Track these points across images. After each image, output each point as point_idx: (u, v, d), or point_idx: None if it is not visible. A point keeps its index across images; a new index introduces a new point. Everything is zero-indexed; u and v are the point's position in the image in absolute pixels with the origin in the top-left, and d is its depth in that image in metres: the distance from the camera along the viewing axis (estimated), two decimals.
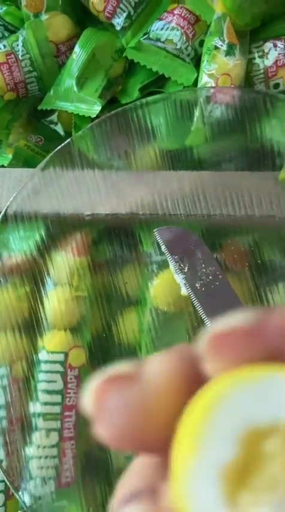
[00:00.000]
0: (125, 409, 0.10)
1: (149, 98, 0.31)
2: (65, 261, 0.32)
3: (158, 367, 0.10)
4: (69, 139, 0.31)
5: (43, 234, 0.32)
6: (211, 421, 0.08)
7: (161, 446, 0.10)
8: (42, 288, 0.32)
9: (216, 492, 0.07)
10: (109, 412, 0.10)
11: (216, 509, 0.07)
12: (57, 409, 0.30)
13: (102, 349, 0.33)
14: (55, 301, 0.32)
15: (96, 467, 0.31)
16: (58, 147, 0.31)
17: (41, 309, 0.32)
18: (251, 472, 0.07)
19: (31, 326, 0.32)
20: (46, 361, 0.31)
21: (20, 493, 0.29)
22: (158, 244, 0.32)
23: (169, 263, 0.31)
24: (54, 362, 0.31)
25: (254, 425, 0.08)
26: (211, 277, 0.31)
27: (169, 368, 0.10)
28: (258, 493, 0.07)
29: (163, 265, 0.33)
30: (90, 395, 0.10)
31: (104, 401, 0.10)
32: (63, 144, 0.31)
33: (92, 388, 0.10)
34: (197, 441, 0.08)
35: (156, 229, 0.31)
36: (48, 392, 0.31)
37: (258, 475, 0.07)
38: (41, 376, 0.31)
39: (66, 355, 0.31)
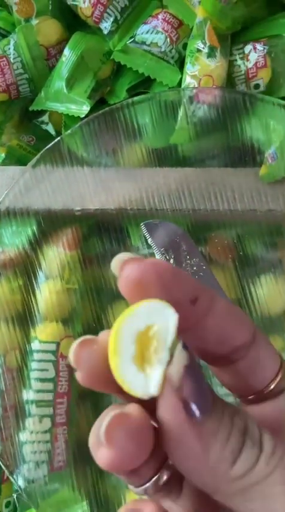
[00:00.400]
0: (90, 359, 0.14)
1: (135, 98, 0.32)
2: (56, 255, 0.34)
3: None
4: (58, 138, 0.32)
5: (35, 229, 0.34)
6: (120, 331, 0.14)
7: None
8: (34, 281, 0.33)
9: (132, 366, 0.14)
10: (82, 362, 0.14)
11: (130, 368, 0.13)
12: (49, 396, 0.32)
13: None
14: (47, 293, 0.33)
15: (87, 452, 0.32)
16: (49, 145, 0.32)
17: (33, 301, 0.33)
18: (145, 351, 0.14)
19: (24, 317, 0.33)
20: (38, 351, 0.32)
21: (14, 476, 0.30)
22: (145, 237, 0.33)
23: (155, 255, 0.32)
24: (46, 351, 0.32)
25: (140, 330, 0.14)
26: (195, 268, 0.32)
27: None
28: (151, 360, 0.14)
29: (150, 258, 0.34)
30: (70, 354, 0.15)
31: (79, 356, 0.14)
32: (53, 143, 0.32)
33: (71, 348, 0.15)
34: (117, 343, 0.14)
35: (143, 223, 0.33)
36: (41, 380, 0.32)
37: (148, 351, 0.14)
38: (34, 365, 0.32)
39: (58, 344, 0.32)
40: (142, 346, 0.14)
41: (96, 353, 0.14)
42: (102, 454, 0.13)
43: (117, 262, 0.15)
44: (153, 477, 0.15)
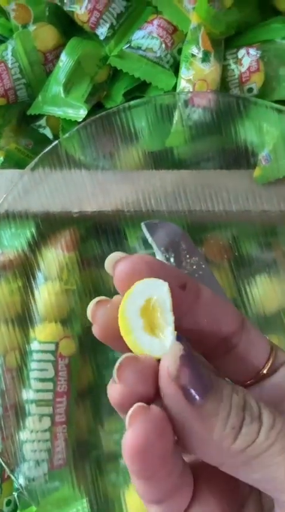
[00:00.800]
0: (104, 315, 0.16)
1: (132, 102, 0.33)
2: (55, 256, 0.34)
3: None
4: (56, 141, 0.33)
5: (33, 231, 0.34)
6: (126, 312, 0.16)
7: None
8: (33, 282, 0.34)
9: (145, 336, 0.15)
10: (97, 318, 0.17)
11: (145, 337, 0.15)
12: (49, 395, 0.32)
13: (91, 339, 0.34)
14: (46, 294, 0.34)
15: (87, 450, 0.33)
16: (47, 149, 0.33)
17: (32, 302, 0.34)
18: (152, 320, 0.16)
19: (23, 318, 0.34)
20: (38, 351, 0.33)
21: (15, 474, 0.31)
22: (144, 236, 0.34)
23: (156, 254, 0.33)
24: (46, 352, 0.33)
25: (141, 305, 0.16)
26: (194, 267, 0.33)
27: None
28: (159, 325, 0.15)
29: None
30: (88, 310, 0.17)
31: (94, 313, 0.17)
32: (51, 146, 0.32)
33: (89, 306, 0.17)
34: (126, 322, 0.15)
35: (143, 223, 0.33)
36: (40, 380, 0.32)
37: (154, 319, 0.16)
38: (33, 365, 0.32)
39: (57, 345, 0.33)
40: (147, 317, 0.16)
41: (110, 310, 0.16)
42: (113, 389, 0.15)
43: (109, 262, 0.17)
44: None
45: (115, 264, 0.16)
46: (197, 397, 0.14)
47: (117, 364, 0.15)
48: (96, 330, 0.17)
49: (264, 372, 0.17)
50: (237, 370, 0.18)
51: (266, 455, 0.14)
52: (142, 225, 0.33)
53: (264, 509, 0.17)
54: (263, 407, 0.15)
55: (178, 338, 0.15)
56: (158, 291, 0.16)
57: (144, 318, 0.16)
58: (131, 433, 0.14)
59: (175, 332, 0.15)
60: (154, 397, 0.15)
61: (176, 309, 0.15)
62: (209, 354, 0.18)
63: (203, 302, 0.17)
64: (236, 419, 0.14)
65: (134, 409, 0.14)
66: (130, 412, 0.15)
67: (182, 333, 0.15)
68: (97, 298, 0.17)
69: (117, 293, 0.17)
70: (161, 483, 0.15)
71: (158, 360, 0.15)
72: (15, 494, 0.33)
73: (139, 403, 0.15)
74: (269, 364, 0.17)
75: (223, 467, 0.15)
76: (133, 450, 0.14)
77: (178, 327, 0.15)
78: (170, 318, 0.15)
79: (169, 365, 0.14)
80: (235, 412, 0.14)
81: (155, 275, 0.16)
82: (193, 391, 0.14)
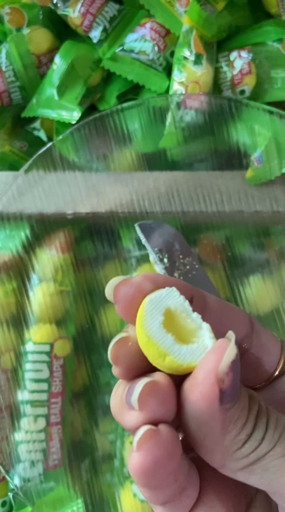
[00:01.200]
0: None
1: (125, 104, 0.33)
2: (49, 258, 0.34)
3: None
4: (50, 143, 0.33)
5: (28, 232, 0.34)
6: (148, 331, 0.15)
7: None
8: (28, 284, 0.34)
9: (181, 347, 0.14)
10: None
11: (164, 335, 0.14)
12: (44, 396, 0.32)
13: (86, 340, 0.35)
14: (41, 295, 0.34)
15: (82, 450, 0.33)
16: (41, 151, 0.33)
17: (27, 304, 0.34)
18: (180, 330, 0.15)
19: (18, 320, 0.34)
20: (33, 352, 0.33)
21: (10, 475, 0.31)
22: (138, 237, 0.34)
23: (150, 254, 0.33)
24: (41, 352, 0.33)
25: (162, 317, 0.15)
26: (188, 267, 0.33)
27: None
28: (189, 333, 0.15)
29: (142, 260, 0.35)
30: (110, 354, 0.16)
31: (117, 357, 0.16)
32: (45, 148, 0.33)
33: (109, 348, 0.16)
34: (145, 318, 0.15)
35: (137, 224, 0.33)
36: (35, 380, 0.32)
37: (183, 328, 0.15)
38: (28, 366, 0.33)
39: (52, 346, 0.33)
40: (174, 329, 0.15)
41: (132, 348, 0.16)
42: (131, 417, 0.15)
43: (109, 288, 0.16)
44: None
45: (116, 288, 0.16)
46: (228, 401, 0.14)
47: (138, 392, 0.14)
48: (119, 372, 0.16)
49: (276, 374, 0.17)
50: (250, 375, 0.18)
51: (266, 458, 0.14)
52: (136, 226, 0.34)
53: (272, 508, 0.17)
54: (271, 412, 0.15)
55: (235, 342, 0.14)
56: (171, 299, 0.15)
57: (171, 331, 0.15)
58: (139, 456, 0.14)
59: (234, 335, 0.14)
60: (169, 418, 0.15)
61: None
62: None
63: (211, 310, 0.16)
64: (250, 427, 0.14)
65: (142, 434, 0.14)
66: (137, 436, 0.14)
67: None
68: (116, 338, 0.16)
69: None
70: (167, 489, 0.15)
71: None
72: (10, 495, 0.33)
73: (147, 426, 0.14)
74: (281, 365, 0.17)
75: (222, 469, 0.15)
76: (141, 472, 0.14)
77: None
78: (197, 318, 0.15)
79: (217, 365, 0.14)
80: (251, 420, 0.15)
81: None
82: (227, 396, 0.14)
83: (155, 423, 0.14)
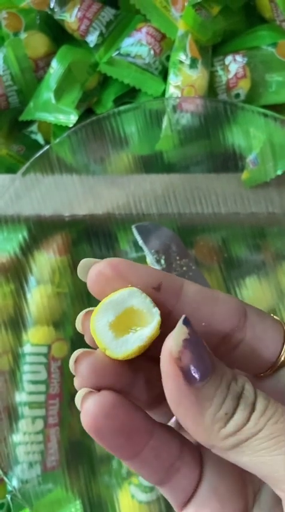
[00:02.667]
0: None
1: (121, 108, 0.34)
2: (47, 260, 0.35)
3: None
4: (47, 146, 0.33)
5: (25, 235, 0.34)
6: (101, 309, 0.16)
7: None
8: (26, 286, 0.34)
9: (109, 333, 0.16)
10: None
11: (106, 333, 0.16)
12: (41, 397, 0.32)
13: (83, 341, 0.35)
14: (39, 297, 0.34)
15: (79, 451, 0.33)
16: (38, 154, 0.33)
17: (25, 306, 0.34)
18: (130, 322, 0.16)
19: (16, 322, 0.34)
20: (30, 354, 0.33)
21: (8, 477, 0.31)
22: (135, 239, 0.34)
23: (147, 256, 0.33)
24: (38, 354, 0.33)
25: (124, 308, 0.16)
26: (184, 268, 0.33)
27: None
28: (126, 331, 0.16)
29: (139, 261, 0.35)
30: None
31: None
32: (42, 151, 0.33)
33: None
34: (96, 317, 0.16)
35: (134, 225, 0.34)
36: (33, 382, 0.32)
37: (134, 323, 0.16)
38: (26, 368, 0.33)
39: (49, 347, 0.33)
40: (131, 323, 0.16)
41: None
42: (75, 381, 0.16)
43: (81, 269, 0.18)
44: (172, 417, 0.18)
45: (88, 270, 0.17)
46: (196, 379, 0.15)
47: (73, 357, 0.16)
48: (87, 340, 0.17)
49: (280, 361, 0.17)
50: (249, 364, 0.17)
51: (254, 440, 0.15)
52: (133, 228, 0.34)
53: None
54: (259, 395, 0.15)
55: (185, 322, 0.15)
56: (134, 298, 0.16)
57: (125, 327, 0.16)
58: (81, 416, 0.15)
59: (183, 316, 0.15)
60: (114, 386, 0.16)
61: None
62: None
63: (187, 300, 0.16)
64: (230, 405, 0.15)
65: (79, 394, 0.16)
66: (76, 398, 0.16)
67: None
68: (85, 310, 0.18)
69: None
70: (150, 464, 0.16)
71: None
72: (8, 497, 0.33)
73: (85, 388, 0.16)
74: (282, 358, 0.17)
75: (214, 450, 0.16)
76: (87, 429, 0.15)
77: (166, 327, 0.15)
78: (156, 312, 0.15)
79: (172, 346, 0.15)
80: (231, 398, 0.15)
81: (122, 277, 0.16)
82: (193, 374, 0.15)
83: (90, 386, 0.16)
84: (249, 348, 0.17)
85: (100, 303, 0.16)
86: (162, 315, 0.16)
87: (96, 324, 0.16)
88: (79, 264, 0.18)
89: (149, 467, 0.16)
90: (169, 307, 0.16)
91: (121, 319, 0.16)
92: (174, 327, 0.16)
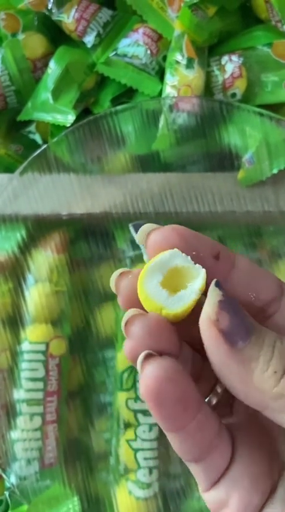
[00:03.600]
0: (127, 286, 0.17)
1: (118, 107, 0.34)
2: (45, 258, 0.35)
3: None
4: (45, 146, 0.33)
5: (23, 234, 0.35)
6: (148, 271, 0.16)
7: None
8: (24, 284, 0.35)
9: (163, 292, 0.16)
10: (120, 289, 0.17)
11: (159, 292, 0.16)
12: (39, 395, 0.33)
13: (81, 339, 0.35)
14: (37, 296, 0.34)
15: (77, 448, 0.33)
16: (36, 153, 0.33)
17: (23, 304, 0.34)
18: (176, 281, 0.16)
19: (14, 319, 0.34)
20: (29, 351, 0.33)
21: (6, 473, 0.31)
22: (132, 238, 0.34)
23: (144, 254, 0.34)
24: (36, 352, 0.33)
25: (168, 269, 0.16)
26: None
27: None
28: (176, 288, 0.16)
29: (136, 260, 0.36)
30: (112, 284, 0.17)
31: (118, 285, 0.17)
32: (40, 150, 0.33)
33: (112, 279, 0.17)
34: (145, 278, 0.16)
35: (131, 224, 0.34)
36: (31, 379, 0.33)
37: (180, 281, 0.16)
38: (24, 365, 0.33)
39: (47, 345, 0.33)
40: (177, 282, 0.16)
41: (132, 280, 0.17)
42: (125, 346, 0.16)
43: (142, 234, 0.17)
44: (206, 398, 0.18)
45: (148, 235, 0.17)
46: (238, 340, 0.15)
47: (124, 320, 0.16)
48: (120, 301, 0.17)
49: None
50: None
51: None
52: (130, 226, 0.34)
53: None
54: None
55: (217, 284, 0.15)
56: (176, 259, 0.16)
57: (172, 286, 0.16)
58: (143, 379, 0.15)
59: (215, 280, 0.15)
60: (170, 352, 0.16)
61: (210, 277, 0.16)
62: None
63: (239, 270, 0.17)
64: (278, 363, 0.15)
65: (143, 356, 0.15)
66: (139, 359, 0.15)
67: None
68: (120, 270, 0.17)
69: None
70: (194, 438, 0.15)
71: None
72: (6, 493, 0.33)
73: (147, 351, 0.15)
74: None
75: (266, 412, 0.15)
76: (147, 393, 0.15)
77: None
78: (199, 268, 0.16)
79: (208, 309, 0.15)
80: (278, 357, 0.15)
81: (188, 245, 0.16)
82: (233, 335, 0.15)
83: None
84: (280, 321, 0.17)
85: (144, 266, 0.16)
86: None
87: (147, 285, 0.16)
88: (141, 229, 0.17)
89: (192, 441, 0.16)
90: (224, 276, 0.17)
91: (168, 279, 0.16)
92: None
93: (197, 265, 0.16)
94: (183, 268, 0.16)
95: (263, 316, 0.17)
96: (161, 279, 0.16)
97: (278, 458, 0.17)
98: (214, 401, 0.18)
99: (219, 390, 0.18)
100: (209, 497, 0.17)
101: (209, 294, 0.15)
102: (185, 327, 0.17)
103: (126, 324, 0.16)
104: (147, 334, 0.15)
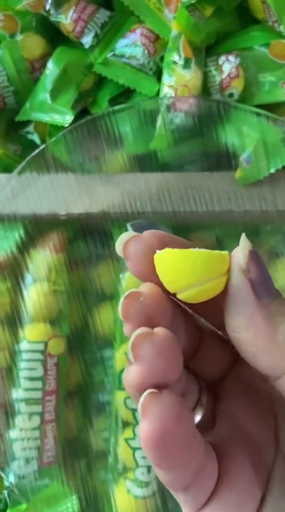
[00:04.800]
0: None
1: (116, 107, 0.34)
2: (43, 258, 0.35)
3: None
4: (43, 146, 0.34)
5: (22, 233, 0.35)
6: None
7: None
8: (22, 284, 0.35)
9: None
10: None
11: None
12: (38, 394, 0.33)
13: (79, 339, 0.35)
14: (35, 295, 0.34)
15: (76, 447, 0.33)
16: (34, 153, 0.33)
17: (21, 303, 0.34)
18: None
19: (13, 319, 0.34)
20: (27, 351, 0.33)
21: (5, 472, 0.31)
22: None
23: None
24: (35, 351, 0.33)
25: None
26: None
27: None
28: None
29: None
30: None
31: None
32: (38, 150, 0.33)
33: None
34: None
35: (129, 223, 0.34)
36: (30, 379, 0.33)
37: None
38: (23, 365, 0.33)
39: (46, 344, 0.34)
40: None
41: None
42: (131, 370, 0.14)
43: (119, 244, 0.16)
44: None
45: (126, 244, 0.16)
46: (264, 295, 0.15)
47: (131, 342, 0.14)
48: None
49: None
50: None
51: None
52: (128, 225, 0.34)
53: None
54: None
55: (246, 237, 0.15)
56: None
57: None
58: (146, 423, 0.13)
59: (243, 233, 0.15)
60: (173, 375, 0.14)
61: None
62: None
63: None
64: None
65: (145, 397, 0.14)
66: (141, 400, 0.14)
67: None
68: (128, 292, 0.16)
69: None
70: (186, 469, 0.14)
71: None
72: (5, 492, 0.33)
73: (150, 390, 0.14)
74: None
75: (283, 377, 0.15)
76: (151, 441, 0.13)
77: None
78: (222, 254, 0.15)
79: (239, 256, 0.15)
80: None
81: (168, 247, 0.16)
82: (261, 288, 0.15)
83: (156, 383, 0.14)
84: None
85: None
86: None
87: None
88: (119, 239, 0.17)
89: (185, 473, 0.14)
90: None
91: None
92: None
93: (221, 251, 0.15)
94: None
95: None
96: None
97: (262, 464, 0.16)
98: (198, 417, 0.17)
99: (204, 401, 0.17)
100: None
101: (241, 242, 0.15)
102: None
103: (133, 346, 0.14)
104: (156, 355, 0.14)
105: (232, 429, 0.17)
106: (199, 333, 0.18)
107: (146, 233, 0.16)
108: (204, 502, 0.15)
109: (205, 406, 0.17)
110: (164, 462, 0.13)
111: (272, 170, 0.34)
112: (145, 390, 0.14)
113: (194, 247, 0.16)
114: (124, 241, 0.16)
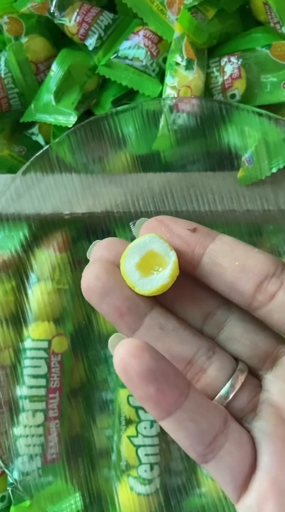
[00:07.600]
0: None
1: (119, 108, 0.34)
2: (47, 257, 0.35)
3: None
4: (47, 146, 0.34)
5: (26, 233, 0.35)
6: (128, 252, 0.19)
7: None
8: (26, 283, 0.35)
9: (136, 273, 0.18)
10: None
11: (133, 272, 0.18)
12: (42, 391, 0.33)
13: (83, 337, 0.36)
14: (39, 294, 0.35)
15: (79, 444, 0.34)
16: (38, 153, 0.34)
17: (25, 302, 0.35)
18: (152, 263, 0.18)
19: (17, 317, 0.35)
20: (31, 349, 0.34)
21: (9, 469, 0.31)
22: (133, 236, 0.35)
23: None
24: (39, 349, 0.34)
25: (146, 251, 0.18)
26: None
27: None
28: (150, 271, 0.18)
29: None
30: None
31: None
32: (42, 150, 0.34)
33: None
34: (125, 258, 0.19)
35: (132, 222, 0.34)
36: (34, 376, 0.33)
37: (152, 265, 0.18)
38: (27, 362, 0.33)
39: (50, 342, 0.34)
40: (153, 264, 0.18)
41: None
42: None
43: (137, 230, 0.20)
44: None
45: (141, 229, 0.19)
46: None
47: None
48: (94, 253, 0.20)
49: None
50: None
51: None
52: (131, 225, 0.35)
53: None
54: None
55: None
56: (154, 243, 0.18)
57: (147, 268, 0.18)
58: (115, 357, 0.16)
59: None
60: None
61: (190, 250, 0.17)
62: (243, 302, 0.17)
63: (222, 242, 0.18)
64: None
65: (112, 338, 0.18)
66: (109, 342, 0.18)
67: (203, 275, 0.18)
68: (96, 241, 0.20)
69: None
70: (185, 426, 0.15)
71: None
72: (9, 489, 0.34)
73: (116, 334, 0.18)
74: None
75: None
76: (119, 367, 0.15)
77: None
78: (173, 255, 0.18)
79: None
80: None
81: (166, 227, 0.18)
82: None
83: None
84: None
85: (126, 247, 0.19)
86: (196, 255, 0.18)
87: (126, 264, 0.18)
88: (137, 224, 0.20)
89: (186, 431, 0.15)
90: (203, 249, 0.18)
91: (145, 261, 0.18)
92: (206, 267, 0.18)
93: (171, 252, 0.18)
94: (159, 253, 0.18)
95: (264, 296, 0.17)
96: (138, 260, 0.18)
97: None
98: (237, 386, 0.17)
99: (242, 367, 0.18)
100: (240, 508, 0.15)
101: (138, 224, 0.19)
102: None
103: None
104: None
105: (275, 424, 0.17)
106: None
107: (151, 219, 0.19)
108: (237, 484, 0.15)
109: (244, 374, 0.18)
110: (140, 396, 0.15)
111: (274, 170, 0.34)
112: None
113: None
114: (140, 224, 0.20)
